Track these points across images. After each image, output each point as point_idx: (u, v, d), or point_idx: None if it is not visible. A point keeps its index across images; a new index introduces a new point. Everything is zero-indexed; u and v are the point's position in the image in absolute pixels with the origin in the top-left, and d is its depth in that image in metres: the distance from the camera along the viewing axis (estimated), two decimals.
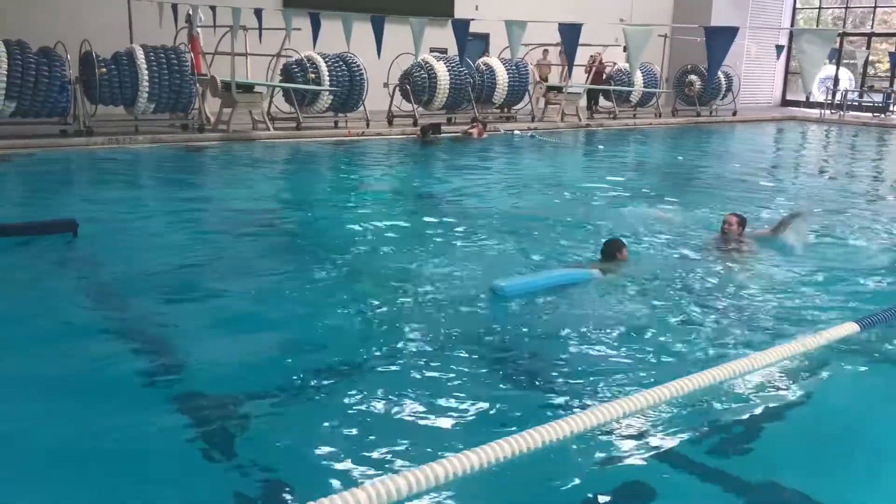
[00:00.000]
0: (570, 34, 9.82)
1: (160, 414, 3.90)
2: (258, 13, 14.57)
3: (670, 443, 3.70)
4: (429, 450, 3.53)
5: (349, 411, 3.96)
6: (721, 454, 3.66)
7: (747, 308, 5.67)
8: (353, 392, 4.19)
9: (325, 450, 3.58)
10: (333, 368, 4.47)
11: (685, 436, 3.76)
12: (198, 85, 14.59)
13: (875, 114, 25.06)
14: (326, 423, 3.83)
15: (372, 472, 3.37)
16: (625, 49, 9.30)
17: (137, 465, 3.46)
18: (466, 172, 12.22)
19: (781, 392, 4.32)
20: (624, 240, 6.84)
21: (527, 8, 20.10)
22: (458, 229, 8.06)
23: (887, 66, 26.35)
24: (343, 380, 4.34)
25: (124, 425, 3.76)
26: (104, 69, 13.21)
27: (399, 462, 3.45)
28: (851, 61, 26.71)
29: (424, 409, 3.97)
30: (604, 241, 6.84)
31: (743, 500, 3.38)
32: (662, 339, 5.02)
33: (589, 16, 20.24)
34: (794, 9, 28.85)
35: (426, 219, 8.75)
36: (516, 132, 17.60)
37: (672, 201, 9.81)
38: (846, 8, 28.71)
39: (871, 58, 26.63)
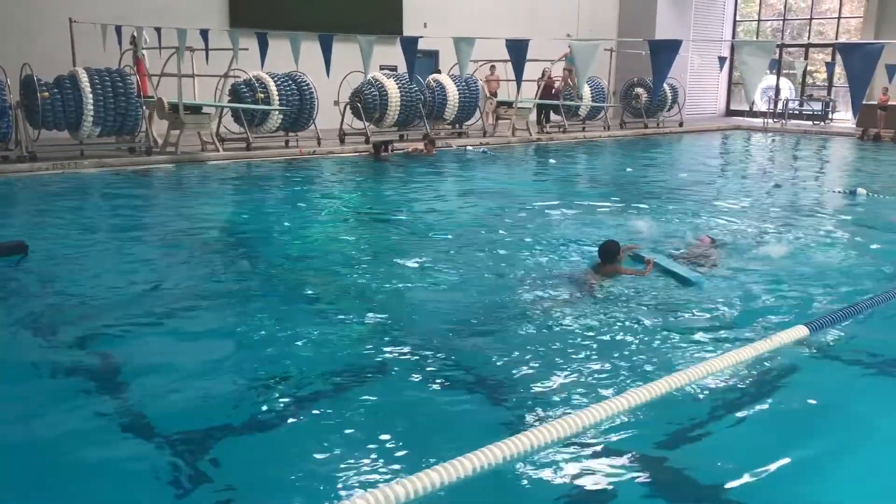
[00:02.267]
0: (517, 50, 9.91)
1: (117, 443, 3.81)
2: (204, 34, 14.41)
3: (624, 452, 3.72)
4: (394, 469, 3.51)
5: (310, 434, 3.91)
6: (673, 462, 3.69)
7: (699, 315, 5.75)
8: (313, 414, 4.14)
9: (287, 473, 3.52)
10: (294, 391, 4.40)
11: (639, 445, 3.79)
12: (144, 107, 14.37)
13: (815, 122, 25.82)
14: (286, 447, 3.78)
15: (331, 495, 3.33)
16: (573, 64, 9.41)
17: (95, 498, 3.37)
18: (421, 188, 12.24)
19: (732, 397, 4.38)
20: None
21: (475, 25, 20.33)
22: (415, 245, 8.05)
23: (825, 75, 27.21)
24: (303, 402, 4.28)
25: (78, 455, 3.67)
26: (46, 93, 12.93)
27: (361, 482, 3.41)
28: (791, 71, 27.48)
29: (390, 428, 3.92)
30: (600, 244, 6.86)
31: None
32: (617, 347, 5.07)
33: (536, 32, 20.58)
34: (735, 21, 29.64)
35: (383, 236, 8.72)
36: (468, 147, 17.69)
37: (630, 211, 9.94)
38: (784, 20, 29.58)
39: (809, 68, 27.44)
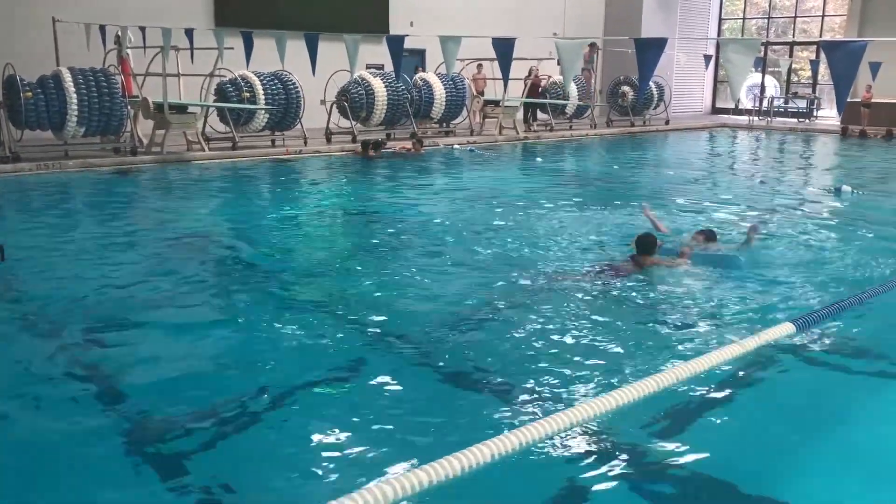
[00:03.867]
0: (503, 49, 9.92)
1: (98, 439, 3.79)
2: (189, 33, 14.34)
3: (608, 450, 3.73)
4: (381, 469, 3.49)
5: (293, 431, 3.89)
6: (662, 460, 3.69)
7: (687, 313, 5.77)
8: (297, 412, 4.13)
9: (281, 472, 3.51)
10: (277, 389, 4.37)
11: (623, 443, 3.80)
12: (129, 107, 14.27)
13: (800, 119, 25.99)
14: (270, 445, 3.76)
15: (326, 494, 3.31)
16: (559, 62, 9.41)
17: (76, 491, 3.37)
18: (410, 187, 12.21)
19: (719, 395, 4.40)
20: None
21: (461, 23, 20.33)
22: (408, 243, 8.04)
23: (809, 73, 27.38)
24: (287, 400, 4.26)
25: (61, 451, 3.66)
26: (29, 93, 12.82)
27: (345, 483, 3.39)
28: (776, 69, 27.66)
29: (377, 427, 3.92)
30: (638, 235, 6.93)
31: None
32: (605, 345, 5.07)
33: (522, 30, 20.59)
34: (720, 19, 29.78)
35: (375, 234, 8.68)
36: (455, 146, 17.68)
37: (621, 209, 9.96)
38: (768, 18, 29.74)
39: (793, 65, 27.60)
